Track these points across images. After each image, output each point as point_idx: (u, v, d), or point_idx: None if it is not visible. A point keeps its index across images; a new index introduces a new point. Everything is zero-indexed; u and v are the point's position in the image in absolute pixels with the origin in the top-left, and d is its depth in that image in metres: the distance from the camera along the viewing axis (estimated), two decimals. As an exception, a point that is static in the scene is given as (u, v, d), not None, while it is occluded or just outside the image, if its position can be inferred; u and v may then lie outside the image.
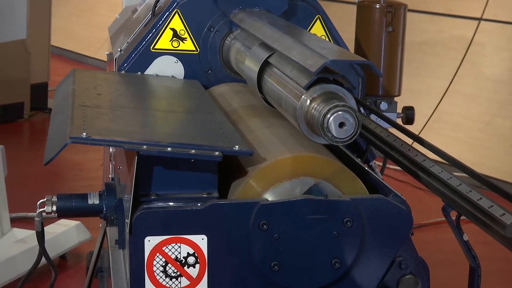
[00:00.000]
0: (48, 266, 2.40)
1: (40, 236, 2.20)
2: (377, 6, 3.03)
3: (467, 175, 2.00)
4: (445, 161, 2.10)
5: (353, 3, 3.14)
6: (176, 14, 2.72)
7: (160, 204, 1.85)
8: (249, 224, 1.83)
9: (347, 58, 2.17)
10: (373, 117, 2.62)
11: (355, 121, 1.83)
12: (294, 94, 1.98)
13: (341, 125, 1.83)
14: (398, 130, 2.38)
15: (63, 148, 1.83)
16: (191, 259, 1.83)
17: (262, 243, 1.84)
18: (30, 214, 4.66)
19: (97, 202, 2.15)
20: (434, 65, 6.55)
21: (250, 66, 2.34)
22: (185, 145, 1.84)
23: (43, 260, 2.30)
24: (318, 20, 2.84)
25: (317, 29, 2.84)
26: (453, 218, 1.95)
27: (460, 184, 1.94)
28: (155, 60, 2.72)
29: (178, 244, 1.82)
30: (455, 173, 2.01)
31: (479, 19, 6.33)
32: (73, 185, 5.46)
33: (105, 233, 3.09)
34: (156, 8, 2.88)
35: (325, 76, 1.91)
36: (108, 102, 2.28)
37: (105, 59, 3.58)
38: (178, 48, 2.74)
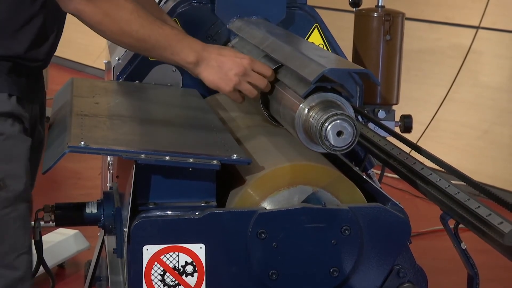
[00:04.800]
0: (46, 275, 2.40)
1: (38, 245, 2.19)
2: (375, 15, 3.04)
3: (465, 183, 2.00)
4: (443, 170, 2.10)
5: (351, 11, 3.14)
6: (175, 23, 2.72)
7: (158, 213, 1.85)
8: (247, 232, 1.83)
9: (345, 66, 2.18)
10: (371, 125, 2.62)
11: (353, 129, 1.83)
12: (292, 103, 1.98)
13: (339, 133, 1.83)
14: (396, 139, 2.38)
15: (61, 157, 1.83)
16: (189, 268, 1.83)
17: (260, 252, 1.84)
18: (28, 222, 4.65)
19: (95, 211, 2.15)
20: (432, 73, 6.56)
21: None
22: (183, 154, 1.85)
23: (41, 269, 2.30)
24: (316, 29, 2.84)
25: (315, 37, 2.84)
26: (451, 226, 1.95)
27: (458, 192, 1.94)
28: (153, 69, 2.72)
29: (176, 253, 1.82)
30: (453, 181, 2.01)
31: (477, 27, 6.33)
32: (71, 194, 5.46)
33: (103, 242, 3.09)
34: (154, 17, 2.88)
35: (323, 84, 1.91)
36: (106, 111, 2.28)
37: (103, 68, 3.58)
38: (176, 56, 2.73)
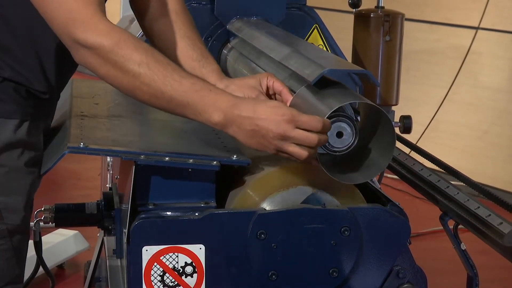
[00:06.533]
0: (46, 276, 2.40)
1: (38, 245, 2.19)
2: (375, 16, 3.04)
3: (464, 184, 2.00)
4: (443, 170, 2.10)
5: (351, 12, 3.14)
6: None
7: (157, 213, 1.84)
8: (247, 233, 1.83)
9: (344, 67, 2.18)
10: (370, 126, 2.62)
11: (353, 130, 1.83)
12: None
13: (338, 134, 1.83)
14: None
15: (60, 158, 1.83)
16: (188, 269, 1.83)
17: (259, 253, 1.84)
18: (27, 223, 4.65)
19: (94, 211, 2.15)
20: (431, 74, 6.56)
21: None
22: (182, 155, 1.85)
23: (41, 269, 2.30)
24: (315, 29, 2.84)
25: (315, 38, 2.84)
26: (451, 227, 1.95)
27: (458, 193, 1.95)
28: (153, 70, 2.72)
29: (176, 254, 1.82)
30: (452, 182, 2.02)
31: (477, 28, 6.34)
32: (70, 195, 5.46)
33: (102, 242, 3.08)
34: (154, 18, 2.87)
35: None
36: (106, 112, 2.28)
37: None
38: (175, 57, 2.73)
